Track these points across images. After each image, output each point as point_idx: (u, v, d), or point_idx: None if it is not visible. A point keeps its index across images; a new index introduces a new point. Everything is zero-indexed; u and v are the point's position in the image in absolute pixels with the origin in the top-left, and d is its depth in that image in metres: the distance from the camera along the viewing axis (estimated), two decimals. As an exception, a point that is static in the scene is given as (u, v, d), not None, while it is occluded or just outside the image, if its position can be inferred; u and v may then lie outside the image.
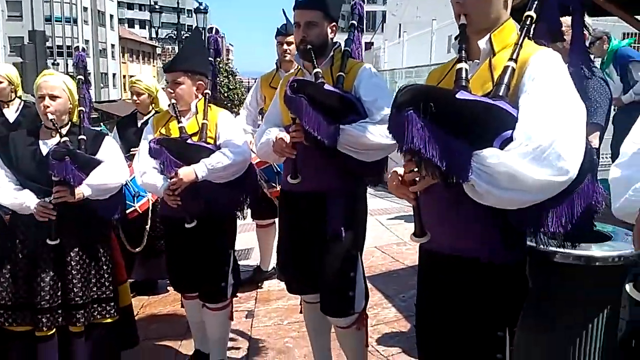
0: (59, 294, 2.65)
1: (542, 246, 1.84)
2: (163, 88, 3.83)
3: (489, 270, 1.64)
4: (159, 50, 48.18)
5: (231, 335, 3.57)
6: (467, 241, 1.66)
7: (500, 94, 1.53)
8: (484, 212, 1.56)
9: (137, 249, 4.08)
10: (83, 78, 2.91)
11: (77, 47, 3.12)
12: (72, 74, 3.13)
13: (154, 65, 50.31)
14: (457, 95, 1.46)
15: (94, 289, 2.80)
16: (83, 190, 2.61)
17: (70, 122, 2.79)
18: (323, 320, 2.61)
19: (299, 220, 2.51)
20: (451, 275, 1.72)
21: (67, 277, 2.68)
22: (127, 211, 3.92)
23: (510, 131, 1.45)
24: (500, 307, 1.67)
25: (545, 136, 1.41)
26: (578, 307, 1.95)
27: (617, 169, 1.33)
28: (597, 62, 4.62)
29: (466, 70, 1.58)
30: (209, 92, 2.92)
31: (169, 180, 2.68)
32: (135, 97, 4.19)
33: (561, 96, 1.48)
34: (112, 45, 45.00)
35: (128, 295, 3.16)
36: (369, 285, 4.34)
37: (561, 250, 1.88)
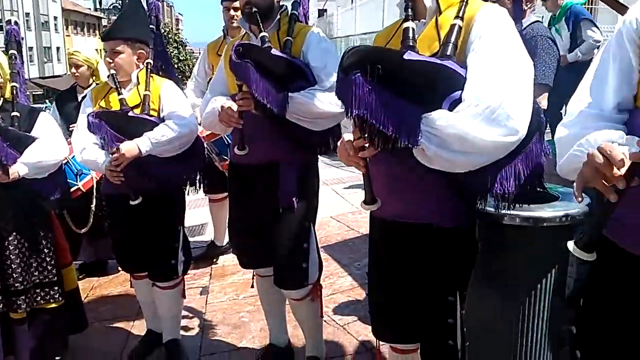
0: None
1: (491, 209, 1.85)
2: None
3: (440, 236, 1.63)
4: (105, 22, 46.24)
5: (185, 312, 3.50)
6: (418, 207, 1.63)
7: (448, 53, 1.49)
8: (434, 177, 1.53)
9: (83, 230, 3.95)
10: (15, 52, 2.72)
11: (9, 20, 2.92)
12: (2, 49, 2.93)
13: (99, 37, 48.42)
14: (405, 56, 1.41)
15: (36, 273, 2.68)
16: (18, 169, 2.46)
17: (2, 99, 2.61)
18: (277, 293, 2.57)
19: (250, 193, 2.44)
20: (402, 243, 1.70)
21: (6, 262, 2.55)
22: (70, 190, 3.78)
23: (459, 92, 1.42)
24: (451, 272, 1.67)
25: (495, 96, 1.37)
26: (528, 268, 1.96)
27: (563, 128, 1.31)
28: (546, 22, 4.61)
29: (413, 29, 1.52)
30: (151, 61, 2.77)
31: (110, 156, 2.55)
32: (74, 70, 3.97)
33: (509, 54, 1.45)
34: (55, 18, 42.84)
35: (74, 279, 3.04)
36: (325, 255, 4.35)
37: (509, 212, 1.88)
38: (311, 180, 2.45)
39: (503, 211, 1.88)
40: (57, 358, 2.87)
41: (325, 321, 3.18)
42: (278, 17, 2.37)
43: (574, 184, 1.15)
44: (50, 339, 2.81)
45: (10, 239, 2.55)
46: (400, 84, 1.38)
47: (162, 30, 3.02)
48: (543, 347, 2.06)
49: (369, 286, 1.93)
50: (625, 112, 1.26)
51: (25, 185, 2.53)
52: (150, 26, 2.92)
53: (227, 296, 3.73)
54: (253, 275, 2.77)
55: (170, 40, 37.39)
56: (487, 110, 1.36)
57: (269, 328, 2.83)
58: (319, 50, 2.28)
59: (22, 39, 2.81)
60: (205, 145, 4.07)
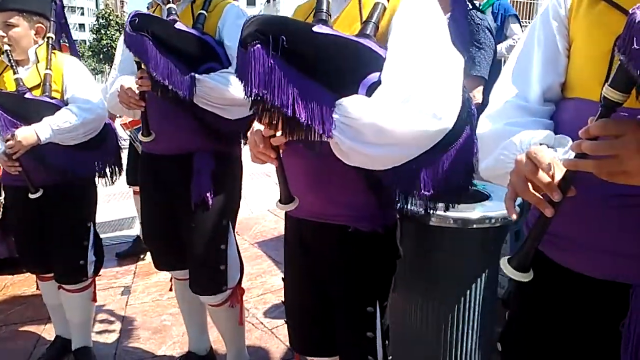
0: None
1: (415, 209, 1.70)
2: None
3: (357, 240, 1.45)
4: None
5: (103, 316, 3.26)
6: (333, 207, 1.44)
7: (368, 32, 1.30)
8: (352, 174, 1.34)
9: (-6, 224, 3.62)
10: None
11: None
12: None
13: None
14: (314, 29, 1.21)
15: None
16: None
17: None
18: (196, 298, 2.33)
19: (161, 186, 2.19)
20: (316, 245, 1.52)
21: None
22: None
23: (378, 74, 1.22)
24: (369, 280, 1.49)
25: (414, 79, 1.20)
26: (457, 271, 1.82)
27: (485, 121, 1.15)
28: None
29: (328, 2, 1.33)
30: (52, 36, 2.47)
31: (4, 143, 2.25)
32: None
33: (432, 38, 1.28)
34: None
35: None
36: (259, 252, 4.16)
37: (437, 213, 1.73)
38: (231, 174, 2.22)
39: (429, 212, 1.75)
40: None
41: (252, 324, 3.01)
42: None
43: (505, 194, 0.99)
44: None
45: None
46: (309, 62, 1.18)
47: (104, 12, 2.67)
48: (474, 355, 1.93)
49: (284, 291, 1.74)
50: (551, 104, 1.11)
51: None
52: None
53: (150, 297, 3.47)
54: (171, 279, 2.54)
55: (112, 22, 35.76)
56: (406, 94, 1.18)
57: (188, 335, 2.61)
58: (235, 27, 1.97)
59: None
60: (129, 133, 3.80)
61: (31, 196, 2.32)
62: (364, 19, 1.34)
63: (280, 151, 1.39)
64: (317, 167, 1.41)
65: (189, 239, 2.15)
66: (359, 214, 1.42)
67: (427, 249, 1.84)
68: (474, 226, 1.75)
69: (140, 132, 2.07)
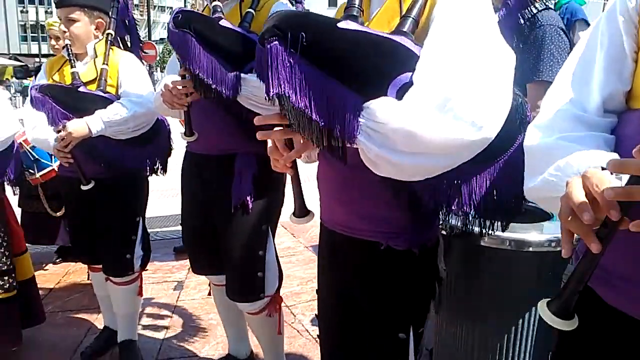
0: None
1: (465, 227, 1.53)
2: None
3: (389, 258, 1.31)
4: (136, 1, 46.44)
5: (153, 310, 3.29)
6: (363, 221, 1.31)
7: (405, 29, 1.16)
8: (382, 186, 1.20)
9: (58, 213, 3.74)
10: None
11: None
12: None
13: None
14: (340, 25, 1.09)
15: None
16: None
17: None
18: (234, 304, 2.24)
19: (202, 186, 2.14)
20: (346, 260, 1.39)
21: None
22: (44, 171, 3.57)
23: (410, 74, 1.08)
24: (403, 303, 1.34)
25: (451, 81, 1.04)
26: (508, 299, 1.64)
27: (535, 131, 0.98)
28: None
29: None
30: (112, 32, 2.49)
31: (56, 135, 2.28)
32: (53, 42, 3.73)
33: (476, 32, 1.11)
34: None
35: (29, 268, 2.80)
36: (313, 255, 4.07)
37: (489, 232, 1.56)
38: (273, 178, 2.11)
39: (480, 230, 1.58)
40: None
41: (298, 331, 2.92)
42: None
43: (561, 230, 0.81)
44: (0, 332, 2.59)
45: None
46: (332, 60, 1.06)
47: None
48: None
49: (318, 307, 1.62)
50: (612, 115, 0.93)
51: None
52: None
53: (200, 294, 3.47)
54: (209, 283, 2.49)
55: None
56: (441, 98, 1.03)
57: (227, 338, 2.55)
58: None
59: None
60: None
61: (83, 188, 2.35)
62: (403, 13, 1.20)
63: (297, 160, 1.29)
64: (344, 177, 1.29)
65: (227, 242, 2.08)
66: (391, 231, 1.28)
67: (475, 271, 1.67)
68: (530, 249, 1.56)
69: (183, 131, 2.02)
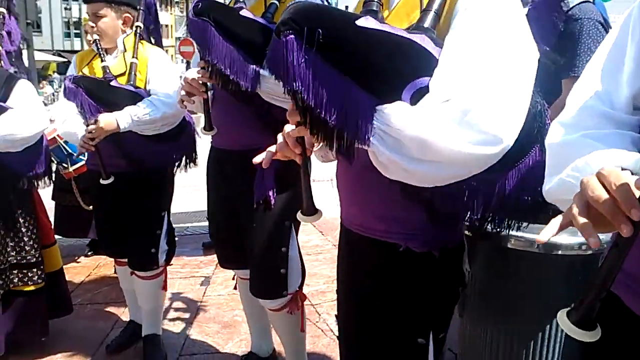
0: None
1: (493, 228, 1.47)
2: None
3: (408, 260, 1.25)
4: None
5: (179, 304, 3.31)
6: (379, 222, 1.27)
7: (426, 25, 1.11)
8: (397, 186, 1.15)
9: (91, 207, 3.79)
10: (5, 11, 2.52)
11: None
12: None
13: (171, 13, 49.30)
14: (358, 22, 1.04)
15: (12, 253, 2.52)
16: None
17: None
18: (257, 300, 2.24)
19: (226, 182, 2.13)
20: (364, 260, 1.35)
21: None
22: (77, 165, 3.64)
23: (428, 78, 1.03)
24: (422, 307, 1.29)
25: (471, 91, 0.99)
26: (535, 304, 1.56)
27: (558, 128, 0.92)
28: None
29: None
30: (141, 25, 2.50)
31: (86, 126, 2.31)
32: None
33: (500, 35, 1.04)
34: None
35: (57, 259, 2.84)
36: (336, 255, 3.99)
37: (516, 234, 1.49)
38: (297, 174, 2.09)
39: (509, 232, 1.51)
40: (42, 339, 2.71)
41: (322, 330, 2.89)
42: None
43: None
44: (28, 323, 2.64)
45: None
46: (348, 59, 1.02)
47: None
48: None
49: (337, 305, 1.58)
50: None
51: (-1, 160, 2.33)
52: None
53: (226, 290, 3.46)
54: (234, 277, 2.48)
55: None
56: (459, 109, 0.98)
57: (250, 335, 2.54)
58: None
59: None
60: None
61: (102, 182, 2.36)
62: (424, 6, 1.14)
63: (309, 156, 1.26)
64: (359, 176, 1.25)
65: (250, 238, 2.06)
66: (407, 232, 1.23)
67: (501, 274, 1.60)
68: (560, 252, 1.49)
69: (203, 126, 2.01)
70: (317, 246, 4.21)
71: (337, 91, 1.01)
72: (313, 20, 1.02)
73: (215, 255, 3.95)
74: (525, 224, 1.26)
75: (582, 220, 0.69)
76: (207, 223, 4.93)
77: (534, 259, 1.52)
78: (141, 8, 2.52)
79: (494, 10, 1.07)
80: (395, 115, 0.99)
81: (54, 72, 31.09)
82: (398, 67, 1.04)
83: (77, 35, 38.62)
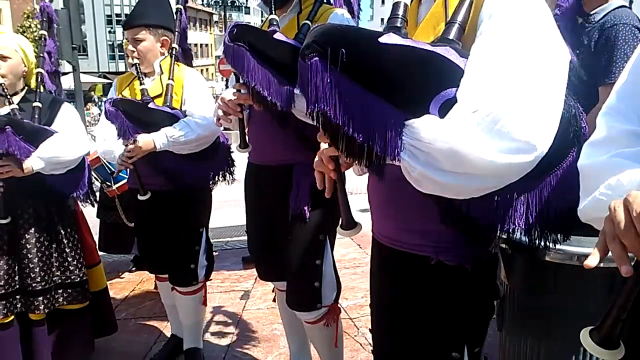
0: (15, 278, 2.41)
1: (534, 240, 1.45)
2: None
3: (441, 274, 1.25)
4: (215, 17, 48.14)
5: (221, 317, 3.35)
6: (409, 235, 1.27)
7: (451, 36, 1.11)
8: (429, 199, 1.15)
9: (133, 223, 3.90)
10: (46, 34, 2.64)
11: None
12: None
13: (210, 33, 50.39)
14: (381, 39, 1.05)
15: (57, 273, 2.55)
16: (32, 164, 2.31)
17: (26, 88, 2.53)
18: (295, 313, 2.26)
19: (263, 196, 2.17)
20: (396, 274, 1.35)
21: (23, 261, 2.42)
22: (120, 184, 3.75)
23: (454, 89, 1.03)
24: (456, 321, 1.28)
25: (501, 99, 0.98)
26: (575, 318, 1.52)
27: (588, 150, 0.91)
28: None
29: (405, 5, 1.17)
30: (176, 46, 2.58)
31: (124, 146, 2.39)
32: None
33: (528, 40, 1.03)
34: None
35: (102, 279, 2.90)
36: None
37: (555, 247, 1.46)
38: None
39: (546, 244, 1.48)
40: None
41: (361, 344, 2.88)
42: None
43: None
44: (74, 342, 2.69)
45: (28, 237, 2.43)
46: (373, 77, 1.03)
47: None
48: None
49: (371, 318, 1.58)
50: None
51: (42, 180, 2.41)
52: (177, 6, 2.67)
53: (266, 304, 3.50)
54: (273, 290, 2.50)
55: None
56: (489, 118, 0.97)
57: (289, 347, 2.55)
58: None
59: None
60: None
61: (140, 197, 2.43)
62: (449, 18, 1.15)
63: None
64: (390, 190, 1.25)
65: (286, 251, 2.09)
66: (439, 245, 1.23)
67: (540, 287, 1.57)
68: (600, 265, 1.44)
69: (238, 144, 2.05)
70: (355, 259, 4.20)
71: (364, 108, 1.02)
72: (336, 41, 1.03)
73: (254, 270, 4.04)
74: (562, 237, 1.23)
75: (613, 247, 0.70)
76: (246, 237, 5.02)
77: (573, 272, 1.48)
78: (177, 30, 2.60)
79: (519, 14, 1.06)
80: (425, 128, 0.99)
81: (100, 95, 32.18)
82: (423, 81, 1.04)
83: (121, 57, 39.98)
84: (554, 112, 1.03)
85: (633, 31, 1.94)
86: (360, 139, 1.02)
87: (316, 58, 1.03)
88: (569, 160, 1.11)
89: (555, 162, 1.10)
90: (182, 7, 2.64)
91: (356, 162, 1.10)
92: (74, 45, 8.02)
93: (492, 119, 0.97)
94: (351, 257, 4.21)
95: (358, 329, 3.04)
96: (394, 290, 1.37)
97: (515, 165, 1.01)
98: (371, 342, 2.85)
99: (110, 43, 41.91)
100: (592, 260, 0.75)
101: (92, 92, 29.79)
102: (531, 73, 1.01)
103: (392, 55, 1.04)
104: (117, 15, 36.46)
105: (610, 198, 0.78)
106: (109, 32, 40.98)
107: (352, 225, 1.26)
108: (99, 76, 36.93)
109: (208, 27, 51.36)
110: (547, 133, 1.01)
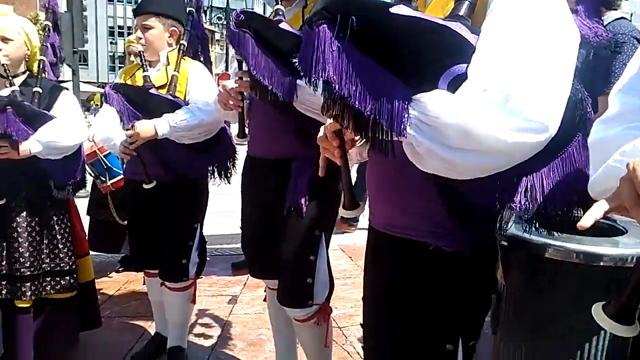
0: (3, 263, 2.36)
1: (527, 236, 1.43)
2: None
3: (439, 261, 1.22)
4: (217, 36, 48.49)
5: (206, 320, 3.29)
6: (407, 218, 1.24)
7: (461, 13, 1.11)
8: (429, 181, 1.12)
9: (125, 222, 3.85)
10: (51, 24, 2.63)
11: None
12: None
13: (212, 51, 50.61)
14: (392, 10, 1.04)
15: (47, 260, 2.51)
16: (30, 146, 2.28)
17: (28, 72, 2.51)
18: (284, 312, 2.20)
19: (260, 190, 2.14)
20: (391, 260, 1.32)
21: (13, 245, 2.38)
22: (115, 179, 3.71)
23: (465, 65, 1.01)
24: (452, 311, 1.24)
25: (513, 76, 0.96)
26: (574, 318, 1.49)
27: (599, 127, 0.90)
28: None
29: None
30: (185, 43, 2.57)
31: (125, 132, 2.36)
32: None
33: (539, 18, 1.01)
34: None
35: (89, 271, 2.84)
36: (362, 281, 3.92)
37: (554, 242, 1.44)
38: (331, 186, 2.06)
39: (545, 240, 1.47)
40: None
41: (348, 353, 2.83)
42: None
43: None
44: (59, 332, 2.63)
45: (19, 220, 2.39)
46: (382, 48, 1.00)
47: None
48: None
49: (363, 312, 1.54)
50: None
51: (37, 164, 2.37)
52: (189, 9, 2.69)
53: (253, 309, 3.44)
54: (263, 297, 2.46)
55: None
56: (501, 95, 0.95)
57: (275, 348, 2.49)
58: None
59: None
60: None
61: (145, 186, 2.40)
62: None
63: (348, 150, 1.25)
64: (388, 173, 1.23)
65: (280, 245, 2.05)
66: (436, 229, 1.20)
67: (538, 286, 1.54)
68: (601, 264, 1.42)
69: (237, 133, 2.04)
70: (346, 270, 4.16)
71: (372, 80, 0.99)
72: (346, 9, 1.00)
73: (243, 276, 4.00)
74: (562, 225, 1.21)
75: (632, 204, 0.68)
76: (238, 245, 4.91)
77: (573, 271, 1.46)
78: (187, 29, 2.59)
79: None
80: (433, 103, 0.96)
81: (97, 104, 32.16)
82: (433, 54, 1.02)
83: (120, 68, 40.15)
84: (563, 94, 1.01)
85: (632, 42, 1.96)
86: (368, 111, 1.00)
87: (325, 25, 1.00)
88: (574, 144, 1.10)
89: (560, 147, 1.07)
90: (193, 10, 2.64)
91: (361, 136, 1.07)
92: (75, 49, 8.04)
93: (505, 97, 0.95)
94: (342, 269, 4.17)
95: (346, 338, 2.99)
96: (391, 275, 1.33)
97: (526, 144, 0.98)
98: (359, 351, 2.83)
99: (111, 54, 42.15)
100: (588, 219, 0.72)
101: (91, 102, 29.81)
102: (543, 52, 0.99)
103: (402, 26, 1.02)
104: (120, 27, 36.64)
105: (624, 165, 0.76)
106: (111, 43, 41.22)
107: (354, 205, 1.23)
108: (98, 86, 37.01)
109: (210, 45, 51.57)
110: (557, 114, 1.00)
